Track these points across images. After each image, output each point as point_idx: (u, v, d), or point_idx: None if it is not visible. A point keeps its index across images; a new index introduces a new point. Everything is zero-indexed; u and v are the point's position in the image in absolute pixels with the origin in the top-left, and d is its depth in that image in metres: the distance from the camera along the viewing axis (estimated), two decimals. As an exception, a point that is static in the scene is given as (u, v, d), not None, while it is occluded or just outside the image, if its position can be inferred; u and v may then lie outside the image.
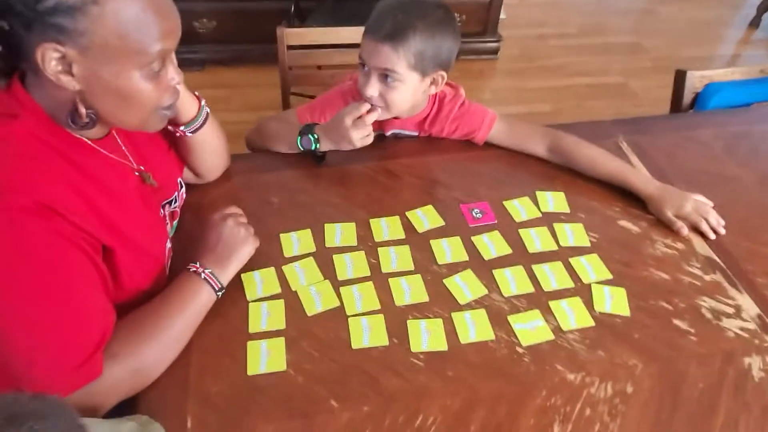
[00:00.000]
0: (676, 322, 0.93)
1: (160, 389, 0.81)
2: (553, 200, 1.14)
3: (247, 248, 0.94)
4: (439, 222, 1.08)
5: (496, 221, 1.09)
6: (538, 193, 1.15)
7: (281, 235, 1.04)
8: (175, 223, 1.03)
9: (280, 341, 0.88)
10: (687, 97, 1.56)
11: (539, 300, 0.96)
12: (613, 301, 0.96)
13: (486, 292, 0.96)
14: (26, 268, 0.71)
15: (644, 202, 1.13)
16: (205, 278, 0.88)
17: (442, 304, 0.95)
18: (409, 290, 0.96)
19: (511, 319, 0.92)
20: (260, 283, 0.96)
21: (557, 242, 1.06)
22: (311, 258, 1.01)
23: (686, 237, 1.08)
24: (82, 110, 0.75)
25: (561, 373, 0.86)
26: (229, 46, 2.78)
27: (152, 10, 0.71)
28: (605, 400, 0.82)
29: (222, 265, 0.90)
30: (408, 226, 1.07)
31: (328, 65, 1.78)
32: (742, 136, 1.34)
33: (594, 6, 3.58)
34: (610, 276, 1.00)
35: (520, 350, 0.88)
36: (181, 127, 0.99)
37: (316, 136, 1.15)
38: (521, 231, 1.07)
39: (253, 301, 0.94)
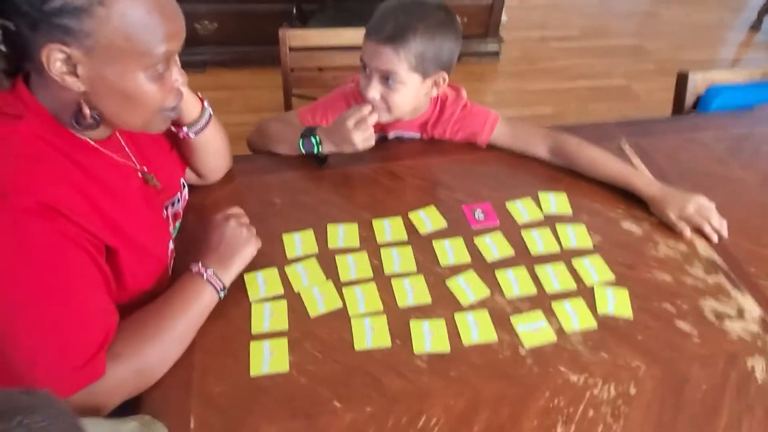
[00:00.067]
0: (679, 323, 0.93)
1: (163, 389, 0.81)
2: (556, 202, 1.14)
3: (250, 249, 0.95)
4: (442, 223, 1.09)
5: (498, 222, 1.09)
6: (540, 194, 1.15)
7: (284, 235, 1.05)
8: (177, 223, 1.04)
9: (283, 342, 0.88)
10: (689, 99, 1.57)
11: (542, 301, 0.96)
12: (616, 303, 0.96)
13: (488, 293, 0.96)
14: (29, 268, 0.71)
15: (647, 203, 1.13)
16: (207, 279, 0.88)
17: (444, 305, 0.95)
18: (412, 291, 0.96)
19: (513, 320, 0.92)
20: (263, 283, 0.96)
21: (560, 244, 1.06)
22: (314, 259, 1.01)
23: (689, 239, 1.08)
24: (87, 111, 0.75)
25: (564, 375, 0.85)
26: (231, 48, 2.78)
27: (158, 12, 0.72)
28: (608, 402, 0.82)
29: (224, 266, 0.91)
30: (410, 228, 1.08)
31: (329, 67, 1.79)
32: (745, 138, 1.34)
33: (596, 8, 3.58)
34: (612, 277, 1.00)
35: (522, 352, 0.88)
36: (184, 129, 0.99)
37: (318, 139, 1.15)
38: (523, 232, 1.07)
39: (255, 302, 0.94)
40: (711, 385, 0.85)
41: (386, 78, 1.09)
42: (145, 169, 0.92)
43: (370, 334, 0.90)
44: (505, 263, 1.02)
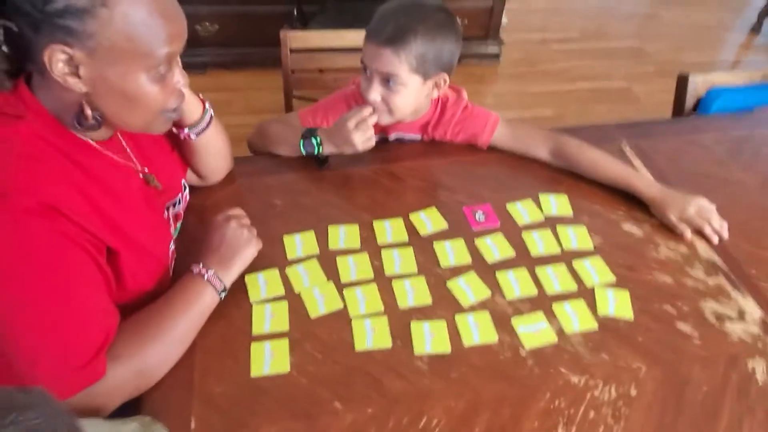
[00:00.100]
0: (680, 325, 0.93)
1: (164, 390, 0.81)
2: (556, 203, 1.14)
3: (251, 250, 0.95)
4: (443, 224, 1.09)
5: (499, 224, 1.09)
6: (541, 195, 1.15)
7: (284, 237, 1.05)
8: (178, 224, 1.04)
9: (284, 343, 0.88)
10: (689, 101, 1.57)
11: (542, 303, 0.96)
12: (617, 304, 0.96)
13: (489, 294, 0.96)
14: (29, 268, 0.71)
15: (647, 205, 1.13)
16: (208, 280, 0.88)
17: (445, 306, 0.95)
18: (413, 292, 0.96)
19: (514, 321, 0.92)
20: (264, 284, 0.96)
21: (560, 245, 1.06)
22: (314, 260, 1.01)
23: (689, 240, 1.08)
24: (88, 112, 0.75)
25: (564, 376, 0.85)
26: (232, 50, 2.79)
27: (160, 13, 0.72)
28: (609, 403, 0.82)
29: (225, 267, 0.91)
30: (411, 229, 1.08)
31: (330, 69, 1.79)
32: (745, 140, 1.34)
33: (596, 11, 3.59)
34: (613, 279, 1.00)
35: (523, 353, 0.88)
36: (186, 130, 0.99)
37: (318, 140, 1.15)
38: (524, 234, 1.07)
39: (256, 303, 0.94)
40: (712, 387, 0.85)
41: (387, 80, 1.09)
42: (146, 170, 0.92)
43: (371, 334, 0.90)
44: (505, 264, 1.02)
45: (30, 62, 0.73)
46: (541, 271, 1.00)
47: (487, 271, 1.00)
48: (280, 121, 1.26)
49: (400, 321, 0.92)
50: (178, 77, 0.80)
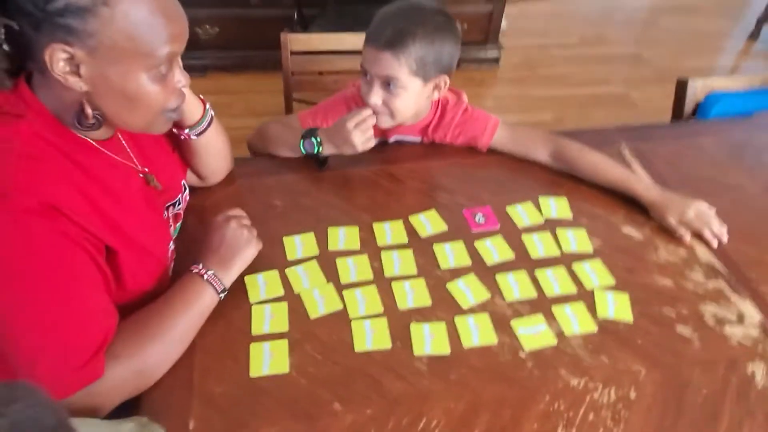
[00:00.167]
0: (680, 328, 0.93)
1: (163, 390, 0.81)
2: (556, 206, 1.14)
3: (250, 250, 0.95)
4: (442, 226, 1.09)
5: (498, 226, 1.09)
6: (540, 198, 1.15)
7: (284, 238, 1.05)
8: (178, 225, 1.04)
9: (283, 344, 0.88)
10: (688, 106, 1.57)
11: (542, 305, 0.95)
12: (617, 307, 0.96)
13: (489, 296, 0.96)
14: (29, 268, 0.71)
15: (647, 208, 1.13)
16: (207, 280, 0.88)
17: (445, 308, 0.94)
18: (412, 294, 0.96)
19: (514, 323, 0.92)
20: (263, 285, 0.96)
21: (560, 248, 1.06)
22: (314, 261, 1.01)
23: (689, 244, 1.08)
24: (89, 111, 0.75)
25: (564, 378, 0.85)
26: (232, 53, 2.79)
27: (161, 13, 0.72)
28: (608, 406, 0.82)
29: (225, 267, 0.91)
30: (411, 231, 1.08)
31: (330, 71, 1.79)
32: (744, 144, 1.35)
33: (595, 16, 3.60)
34: (613, 282, 1.00)
35: (523, 355, 0.88)
36: (186, 130, 0.99)
37: (318, 140, 1.15)
38: (524, 236, 1.07)
39: (256, 304, 0.94)
40: (711, 390, 0.85)
41: (387, 84, 1.09)
42: (146, 170, 0.92)
43: (371, 336, 0.89)
44: (505, 267, 1.02)
45: (31, 61, 0.73)
46: (541, 274, 1.00)
47: (486, 273, 1.00)
48: (280, 123, 1.26)
49: (400, 322, 0.92)
50: (179, 77, 0.80)
